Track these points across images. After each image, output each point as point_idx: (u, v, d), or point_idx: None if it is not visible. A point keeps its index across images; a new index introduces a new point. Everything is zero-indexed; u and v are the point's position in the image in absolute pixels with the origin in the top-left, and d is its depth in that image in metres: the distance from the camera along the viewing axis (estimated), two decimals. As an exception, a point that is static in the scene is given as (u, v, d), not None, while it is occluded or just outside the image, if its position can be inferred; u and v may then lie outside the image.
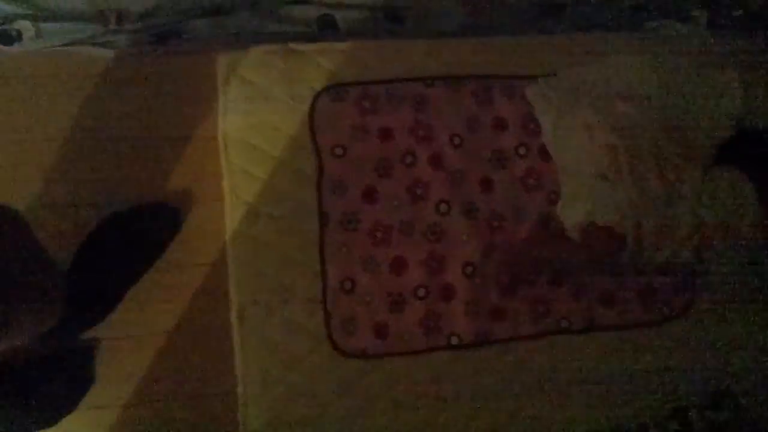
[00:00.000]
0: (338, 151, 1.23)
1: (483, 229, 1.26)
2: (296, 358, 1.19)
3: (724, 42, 1.42)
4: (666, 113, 1.28)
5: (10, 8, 1.06)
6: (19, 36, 1.12)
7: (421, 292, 1.24)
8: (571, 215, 1.25)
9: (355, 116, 1.24)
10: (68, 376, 1.17)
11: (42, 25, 1.10)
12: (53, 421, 1.13)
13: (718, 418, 1.31)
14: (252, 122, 1.21)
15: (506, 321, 1.27)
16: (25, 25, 1.10)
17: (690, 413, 1.29)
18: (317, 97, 1.23)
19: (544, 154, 1.29)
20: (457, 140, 1.27)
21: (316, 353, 1.20)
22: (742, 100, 1.35)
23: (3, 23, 1.10)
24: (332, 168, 1.22)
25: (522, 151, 1.30)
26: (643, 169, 1.23)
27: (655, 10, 1.40)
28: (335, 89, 1.24)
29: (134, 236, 1.20)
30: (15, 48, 1.13)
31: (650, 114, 1.25)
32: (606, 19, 1.40)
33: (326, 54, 1.25)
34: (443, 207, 1.25)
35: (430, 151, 1.26)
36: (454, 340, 1.24)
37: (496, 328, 1.26)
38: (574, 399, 1.29)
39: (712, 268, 1.33)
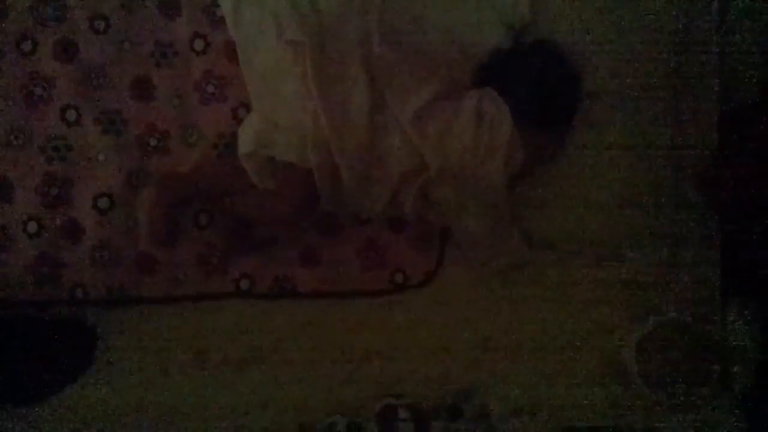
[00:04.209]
0: None
1: (131, 149, 0.93)
2: None
3: None
4: (397, 8, 0.91)
5: None
6: None
7: (33, 227, 0.92)
8: (244, 138, 0.90)
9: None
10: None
11: None
12: None
13: (451, 427, 1.00)
14: None
15: (157, 275, 0.95)
16: None
17: (399, 412, 0.97)
18: None
19: (231, 52, 0.94)
20: (100, 24, 0.92)
21: None
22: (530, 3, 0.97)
23: None
24: None
25: (199, 45, 0.95)
26: (345, 81, 0.87)
27: None
28: None
29: None
30: None
31: (370, 5, 0.88)
32: None
33: None
34: (71, 114, 0.92)
35: (59, 36, 0.91)
36: (79, 293, 0.93)
37: (140, 283, 0.95)
38: (255, 378, 0.99)
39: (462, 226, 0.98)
